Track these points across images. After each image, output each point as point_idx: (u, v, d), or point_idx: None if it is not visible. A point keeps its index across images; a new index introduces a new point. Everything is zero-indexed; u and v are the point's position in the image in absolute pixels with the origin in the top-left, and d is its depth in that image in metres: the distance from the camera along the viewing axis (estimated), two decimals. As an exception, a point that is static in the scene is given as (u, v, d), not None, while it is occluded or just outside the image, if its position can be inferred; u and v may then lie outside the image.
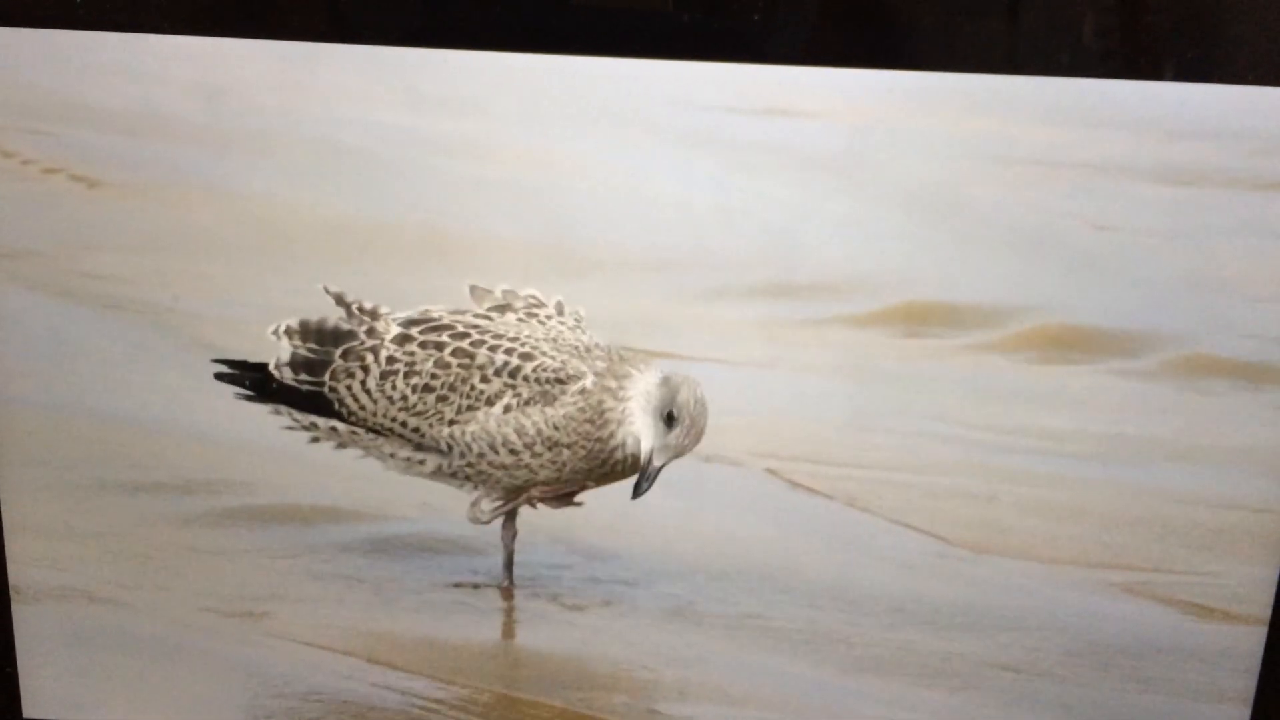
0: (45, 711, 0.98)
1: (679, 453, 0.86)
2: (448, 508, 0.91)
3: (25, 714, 0.98)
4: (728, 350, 0.86)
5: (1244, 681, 0.88)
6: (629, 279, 0.85)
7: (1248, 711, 0.89)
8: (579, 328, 0.87)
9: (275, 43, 0.82)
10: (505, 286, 0.86)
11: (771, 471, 0.87)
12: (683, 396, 0.86)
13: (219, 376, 0.89)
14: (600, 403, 0.87)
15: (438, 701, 0.94)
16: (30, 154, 0.86)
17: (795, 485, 0.88)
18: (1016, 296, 0.83)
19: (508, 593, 0.92)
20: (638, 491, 0.87)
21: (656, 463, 0.86)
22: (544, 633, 0.93)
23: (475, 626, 0.93)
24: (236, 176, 0.85)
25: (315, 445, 0.90)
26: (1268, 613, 0.87)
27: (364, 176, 0.84)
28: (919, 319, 0.84)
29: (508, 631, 0.93)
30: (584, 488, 0.89)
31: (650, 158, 0.82)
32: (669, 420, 0.86)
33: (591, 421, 0.87)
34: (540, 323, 0.87)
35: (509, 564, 0.92)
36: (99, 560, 0.94)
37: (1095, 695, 0.89)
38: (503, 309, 0.87)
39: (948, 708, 0.90)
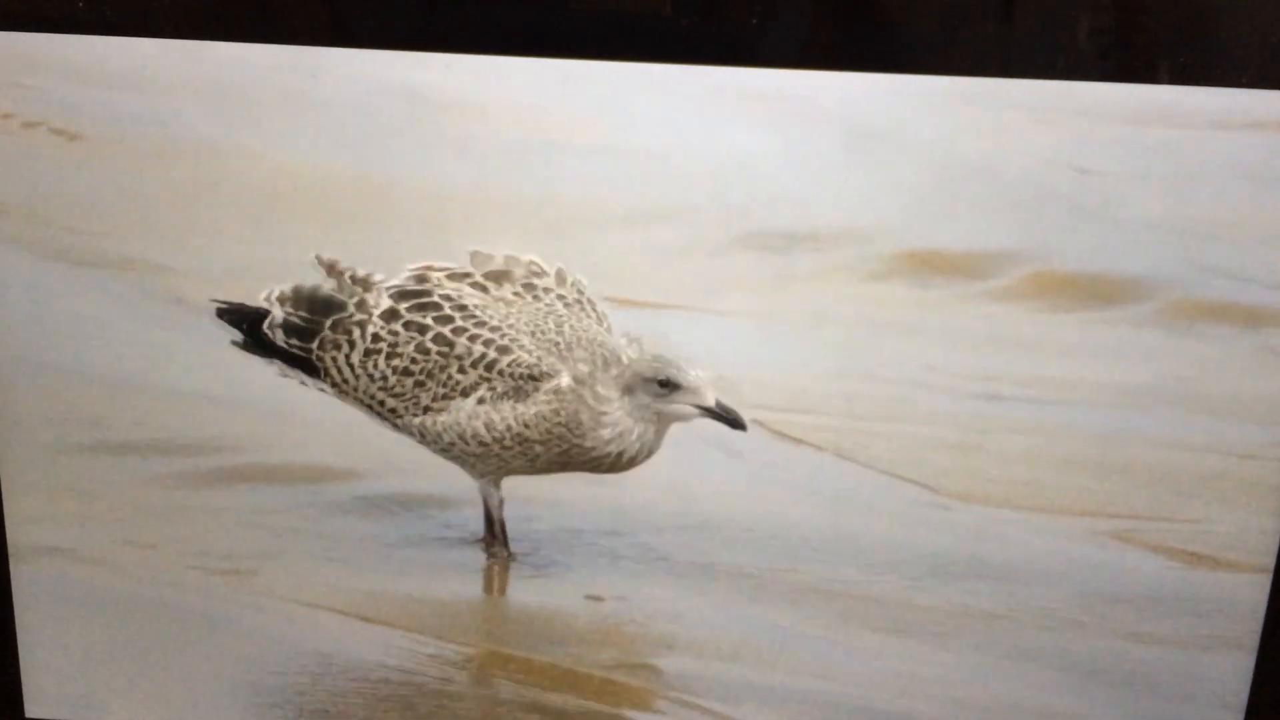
0: (39, 668, 0.98)
1: (699, 384, 0.85)
2: (436, 465, 0.90)
3: (23, 673, 0.98)
4: (715, 302, 0.85)
5: (1242, 629, 0.87)
6: (616, 233, 0.85)
7: (1249, 660, 0.88)
8: (580, 303, 0.86)
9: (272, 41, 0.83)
10: (508, 252, 0.86)
11: (759, 423, 0.87)
12: (649, 371, 0.85)
13: (220, 314, 0.88)
14: (576, 413, 0.86)
15: (427, 657, 0.94)
16: (10, 108, 0.85)
17: (783, 436, 0.87)
18: (1006, 245, 0.82)
19: (496, 549, 0.92)
20: (739, 426, 0.86)
21: (713, 404, 0.86)
22: (532, 588, 0.92)
23: (463, 583, 0.93)
24: (222, 131, 0.85)
25: (304, 404, 0.90)
26: (1267, 560, 0.86)
27: (355, 132, 0.84)
28: (908, 269, 0.83)
29: (496, 587, 0.93)
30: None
31: (640, 109, 0.82)
32: (665, 385, 0.86)
33: (567, 427, 0.87)
34: (536, 297, 0.86)
35: (496, 521, 0.92)
36: (86, 520, 0.94)
37: (1090, 645, 0.88)
38: (501, 277, 0.86)
39: (938, 659, 0.90)
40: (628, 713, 0.93)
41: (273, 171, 0.85)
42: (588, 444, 0.87)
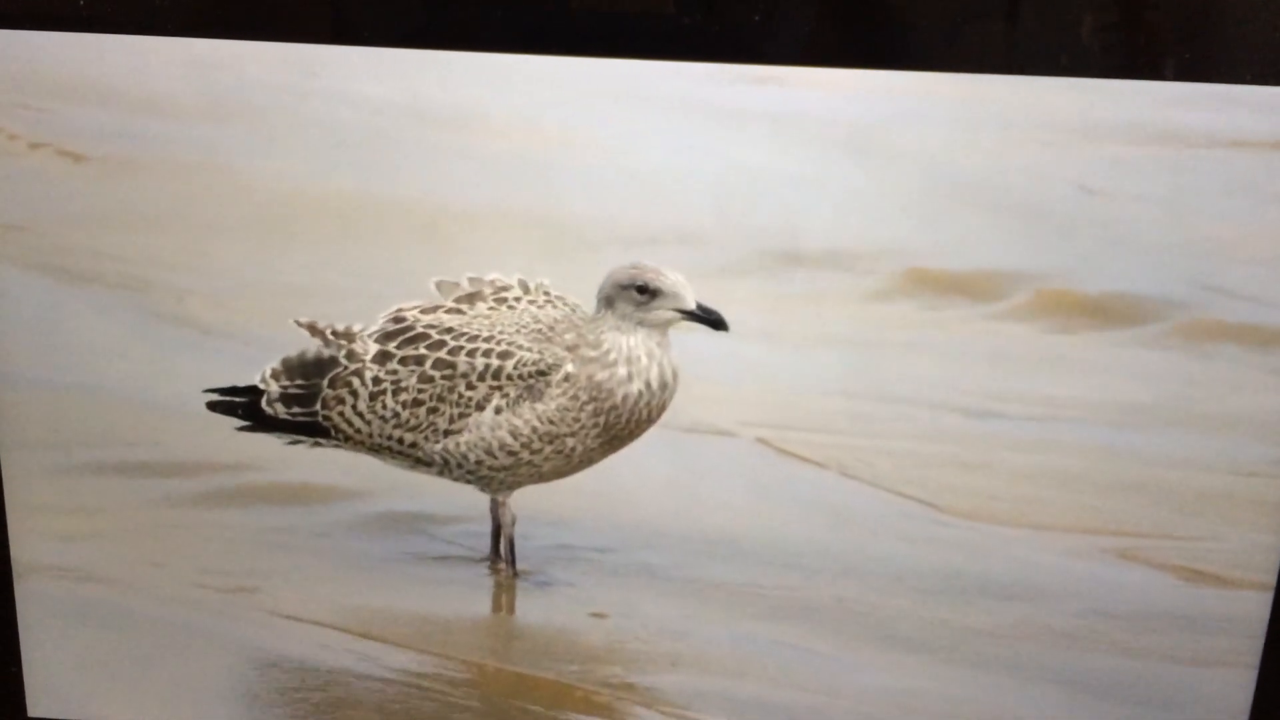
0: (43, 684, 0.98)
1: (676, 287, 0.85)
2: (439, 485, 0.90)
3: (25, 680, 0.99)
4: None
5: (1245, 647, 0.87)
6: (619, 253, 0.85)
7: (1251, 677, 0.88)
8: (550, 302, 0.87)
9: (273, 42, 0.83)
10: (471, 274, 0.87)
11: (763, 441, 0.87)
12: (624, 279, 0.85)
13: (211, 406, 0.90)
14: (592, 377, 0.86)
15: (431, 674, 0.94)
16: (16, 129, 0.86)
17: (787, 454, 0.87)
18: (1011, 264, 0.83)
19: (499, 568, 0.92)
20: (721, 326, 0.85)
21: (694, 307, 0.85)
22: (536, 606, 0.93)
23: (467, 601, 0.93)
24: (226, 151, 0.85)
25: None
26: (1269, 577, 0.86)
27: (358, 152, 0.84)
28: (912, 288, 0.84)
29: (500, 605, 0.93)
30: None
31: (643, 130, 0.82)
32: (643, 291, 0.85)
33: (595, 399, 0.86)
34: (510, 307, 0.87)
35: (500, 539, 0.92)
36: (89, 537, 0.94)
37: (1092, 661, 0.88)
38: (472, 299, 0.87)
39: (943, 676, 0.90)
40: (632, 730, 0.93)
41: (276, 189, 0.85)
42: (618, 397, 0.86)
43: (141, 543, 0.94)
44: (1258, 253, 0.81)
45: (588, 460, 0.89)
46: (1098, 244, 0.81)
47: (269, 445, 0.91)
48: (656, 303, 0.85)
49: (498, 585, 0.93)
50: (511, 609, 0.93)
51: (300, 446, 0.90)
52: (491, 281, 0.87)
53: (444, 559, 0.93)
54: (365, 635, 0.94)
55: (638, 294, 0.85)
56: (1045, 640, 0.88)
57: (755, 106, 0.81)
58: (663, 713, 0.92)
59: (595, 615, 0.92)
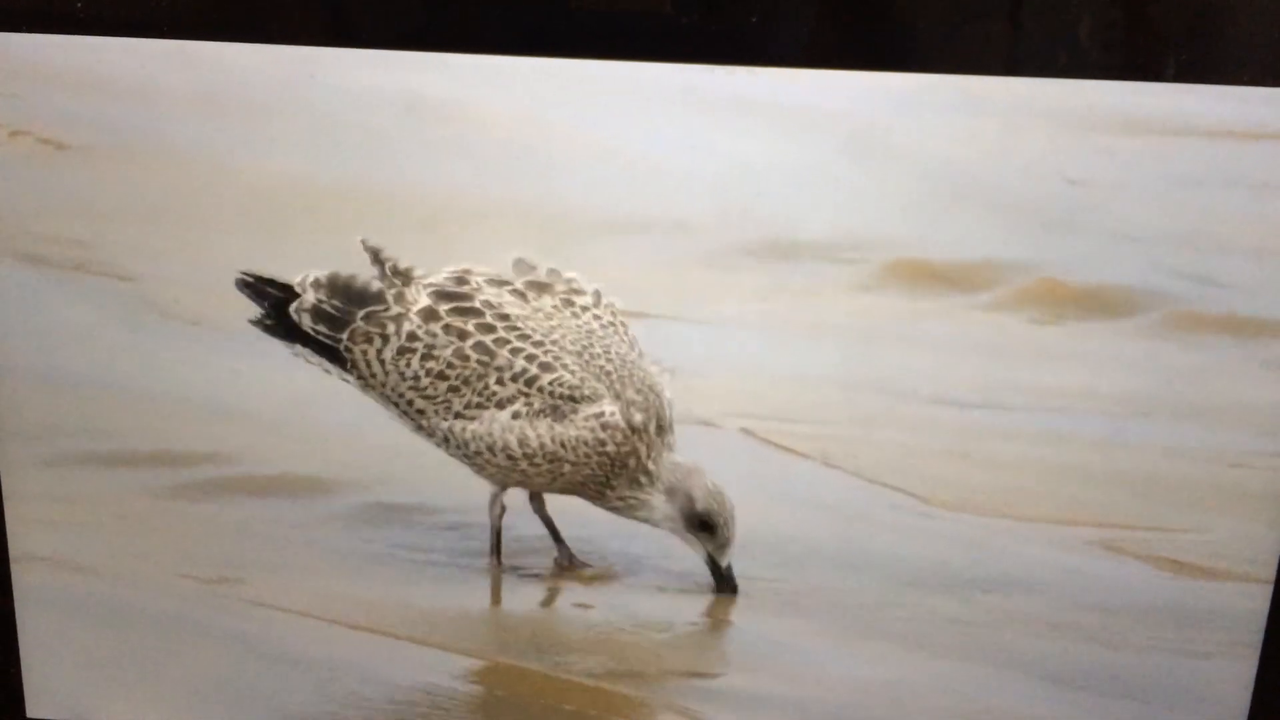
0: (37, 673, 0.99)
1: (728, 542, 0.87)
2: (427, 477, 0.90)
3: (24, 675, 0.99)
4: (701, 310, 0.85)
5: (1234, 639, 0.87)
6: (608, 240, 0.84)
7: (1249, 669, 0.87)
8: (614, 325, 0.86)
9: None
10: (551, 265, 0.85)
11: (747, 431, 0.86)
12: (702, 503, 0.86)
13: (240, 286, 0.87)
14: (626, 457, 0.86)
15: (417, 664, 0.93)
16: (-2, 117, 0.85)
17: (771, 445, 0.87)
18: (1000, 255, 0.82)
19: (489, 560, 0.92)
20: (727, 588, 0.88)
21: (723, 563, 0.88)
22: (523, 598, 0.92)
23: (454, 593, 0.93)
24: (211, 140, 0.84)
25: (298, 415, 0.90)
26: (1256, 569, 0.85)
27: (350, 137, 0.83)
28: (901, 279, 0.83)
29: (485, 597, 0.93)
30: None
31: (635, 115, 0.81)
32: (704, 527, 0.87)
33: (612, 463, 0.86)
34: (574, 314, 0.85)
35: (493, 530, 0.91)
36: (80, 527, 0.94)
37: (1079, 653, 0.88)
38: (541, 289, 0.86)
39: (928, 667, 0.89)
40: (617, 721, 0.93)
41: (266, 178, 0.85)
42: (614, 490, 0.87)
43: (130, 534, 0.94)
44: (1248, 244, 0.80)
45: (570, 490, 0.88)
46: (1087, 235, 0.81)
47: (253, 436, 0.90)
48: (703, 536, 0.87)
49: (485, 577, 0.92)
50: (497, 600, 0.93)
51: (280, 432, 0.89)
52: (568, 280, 0.85)
53: (429, 550, 0.92)
54: (352, 626, 0.94)
55: (698, 521, 0.87)
56: (1031, 632, 0.88)
57: (748, 96, 0.80)
58: (647, 703, 0.92)
59: (580, 606, 0.92)
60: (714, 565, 0.88)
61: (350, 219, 0.85)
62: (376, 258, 0.85)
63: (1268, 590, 0.86)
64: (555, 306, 0.85)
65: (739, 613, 0.90)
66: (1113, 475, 0.85)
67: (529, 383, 0.85)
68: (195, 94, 0.83)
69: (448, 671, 0.93)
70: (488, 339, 0.85)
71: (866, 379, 0.85)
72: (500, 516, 0.91)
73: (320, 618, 0.94)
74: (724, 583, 0.88)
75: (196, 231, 0.87)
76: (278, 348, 0.89)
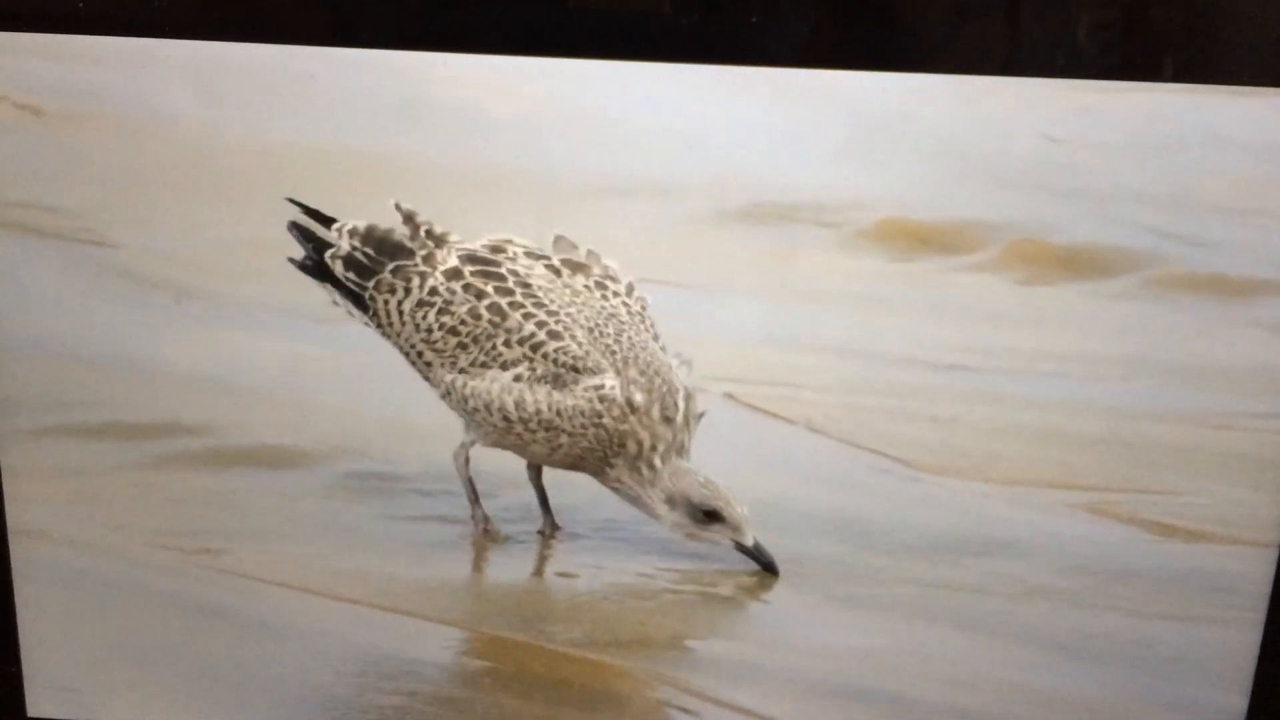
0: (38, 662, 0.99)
1: (741, 521, 0.87)
2: (409, 448, 0.90)
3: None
4: (684, 274, 0.85)
5: (1224, 601, 0.86)
6: (591, 205, 0.84)
7: (1243, 634, 0.87)
8: (641, 315, 0.87)
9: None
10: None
11: (730, 396, 0.86)
12: (699, 497, 0.87)
13: (291, 227, 0.87)
14: (623, 436, 0.86)
15: (403, 635, 0.93)
16: (-26, 82, 0.85)
17: (755, 409, 0.86)
18: (984, 216, 0.81)
19: (471, 510, 0.91)
20: (773, 569, 0.89)
21: (749, 543, 0.88)
22: (505, 568, 0.92)
23: (437, 563, 0.92)
24: (191, 107, 0.84)
25: (279, 382, 0.90)
26: (1263, 534, 0.85)
27: (328, 105, 0.83)
28: (882, 241, 0.83)
29: (468, 565, 0.92)
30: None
31: (619, 85, 0.81)
32: (712, 517, 0.87)
33: (609, 437, 0.87)
34: (604, 298, 0.87)
35: (467, 486, 0.91)
36: (55, 499, 0.94)
37: (1063, 617, 0.88)
38: (576, 269, 0.87)
39: (913, 634, 0.89)
40: (601, 690, 0.92)
41: (247, 149, 0.84)
42: (614, 470, 0.87)
43: (115, 507, 0.93)
44: (1230, 203, 0.80)
45: (568, 464, 0.89)
46: (1072, 196, 0.80)
47: (235, 406, 0.90)
48: (715, 526, 0.87)
49: (468, 546, 0.92)
50: (480, 569, 0.92)
51: (263, 401, 0.89)
52: (605, 266, 0.86)
53: (412, 521, 0.92)
54: (335, 597, 0.93)
55: (702, 515, 0.87)
56: (1016, 597, 0.88)
57: (739, 71, 0.80)
58: (632, 672, 0.92)
59: (563, 575, 0.91)
60: (742, 548, 0.88)
61: (326, 187, 0.85)
62: (410, 219, 0.87)
63: (1272, 555, 0.85)
64: (587, 287, 0.87)
65: (723, 580, 0.89)
66: (1098, 438, 0.84)
67: (534, 348, 0.86)
68: (184, 76, 0.83)
69: (432, 642, 0.93)
70: (503, 301, 0.87)
71: (850, 343, 0.84)
72: (466, 465, 0.91)
73: (302, 588, 0.93)
74: (761, 562, 0.88)
75: (175, 202, 0.86)
76: (262, 319, 0.89)
